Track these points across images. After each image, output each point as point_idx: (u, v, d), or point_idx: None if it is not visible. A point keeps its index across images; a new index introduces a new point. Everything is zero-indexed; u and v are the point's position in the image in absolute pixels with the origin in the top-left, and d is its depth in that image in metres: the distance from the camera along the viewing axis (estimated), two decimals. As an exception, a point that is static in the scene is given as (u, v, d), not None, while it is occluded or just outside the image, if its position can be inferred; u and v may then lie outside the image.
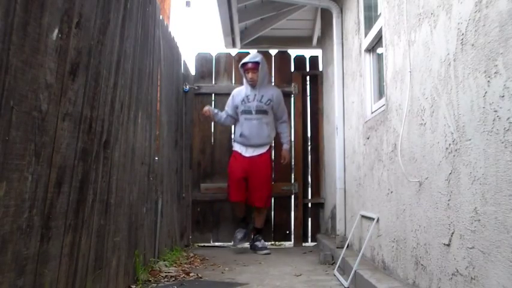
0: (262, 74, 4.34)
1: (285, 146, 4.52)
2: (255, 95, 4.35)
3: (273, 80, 5.10)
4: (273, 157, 4.63)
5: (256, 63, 4.33)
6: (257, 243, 4.34)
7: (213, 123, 4.99)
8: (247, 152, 4.36)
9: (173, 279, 2.90)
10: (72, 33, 1.67)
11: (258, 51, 5.17)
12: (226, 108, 4.53)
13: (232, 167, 4.41)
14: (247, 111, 4.36)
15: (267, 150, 4.39)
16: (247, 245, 4.49)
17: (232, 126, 4.78)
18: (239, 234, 4.33)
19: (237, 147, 4.44)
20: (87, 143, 1.86)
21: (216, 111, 4.49)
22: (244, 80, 4.44)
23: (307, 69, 5.20)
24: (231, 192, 4.37)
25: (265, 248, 4.29)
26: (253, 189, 4.32)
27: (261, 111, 4.34)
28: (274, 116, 4.44)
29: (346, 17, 3.76)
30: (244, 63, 4.35)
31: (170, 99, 3.95)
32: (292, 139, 5.01)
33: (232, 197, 4.36)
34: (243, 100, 4.38)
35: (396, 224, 2.34)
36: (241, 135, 4.39)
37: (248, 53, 5.13)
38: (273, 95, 4.39)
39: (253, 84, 4.36)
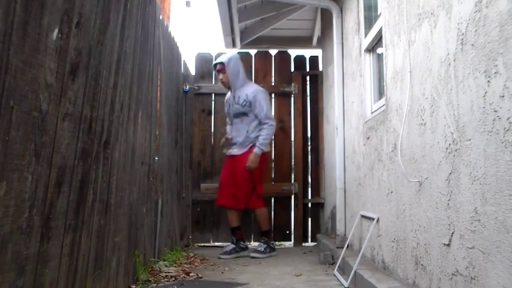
0: (232, 74, 4.22)
1: (255, 149, 4.13)
2: (234, 97, 4.27)
3: (272, 80, 5.10)
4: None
5: (221, 64, 4.23)
6: (257, 245, 4.19)
7: (213, 123, 4.99)
8: (232, 151, 4.28)
9: (173, 279, 2.90)
10: (72, 33, 1.67)
11: (257, 51, 5.20)
12: (228, 117, 4.47)
13: (222, 170, 4.42)
14: (230, 115, 4.35)
15: (249, 149, 4.18)
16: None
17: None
18: (227, 248, 4.14)
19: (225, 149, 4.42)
20: (87, 143, 1.86)
21: (229, 136, 4.34)
22: None
23: (307, 69, 5.19)
24: (217, 195, 4.35)
25: (260, 251, 4.07)
26: (237, 190, 4.21)
27: (239, 114, 4.24)
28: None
29: (346, 17, 3.76)
30: (214, 65, 4.33)
31: (170, 99, 3.95)
32: (292, 139, 5.01)
33: (216, 200, 4.33)
34: (229, 104, 4.35)
35: (396, 224, 2.34)
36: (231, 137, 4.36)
37: (248, 53, 5.15)
38: (247, 95, 4.20)
39: (225, 86, 4.31)
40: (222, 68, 4.23)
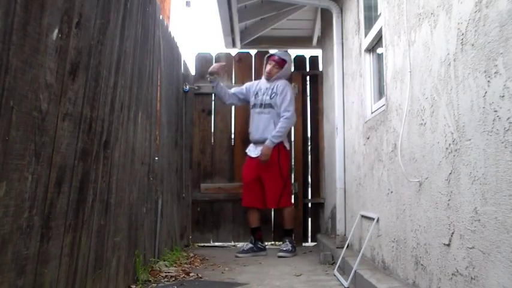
0: (281, 72, 4.33)
1: (267, 142, 4.16)
2: (267, 88, 4.32)
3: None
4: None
5: (283, 61, 4.35)
6: (282, 245, 4.22)
7: (213, 123, 4.99)
8: (255, 152, 4.27)
9: (173, 279, 2.90)
10: (72, 33, 1.67)
11: (257, 51, 5.19)
12: (235, 88, 4.50)
13: (243, 171, 4.41)
14: (256, 105, 4.34)
15: (274, 147, 4.21)
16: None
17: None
18: (245, 247, 4.18)
19: (248, 148, 4.40)
20: (87, 143, 1.86)
21: (221, 84, 4.38)
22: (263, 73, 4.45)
23: (307, 69, 5.19)
24: (243, 196, 4.35)
25: (284, 251, 4.08)
26: (266, 191, 4.24)
27: (267, 105, 4.28)
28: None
29: (346, 17, 3.76)
30: (272, 55, 4.38)
31: (170, 99, 3.95)
32: (292, 139, 5.00)
33: (242, 201, 4.35)
34: (256, 93, 4.36)
35: (396, 224, 2.34)
36: (250, 131, 4.37)
37: (248, 53, 5.16)
38: (277, 87, 4.28)
39: (267, 77, 4.35)
40: (282, 63, 4.34)
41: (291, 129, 4.58)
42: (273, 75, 4.31)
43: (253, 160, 4.27)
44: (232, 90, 4.48)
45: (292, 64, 5.14)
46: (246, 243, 4.28)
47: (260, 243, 4.24)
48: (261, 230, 4.31)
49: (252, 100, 4.38)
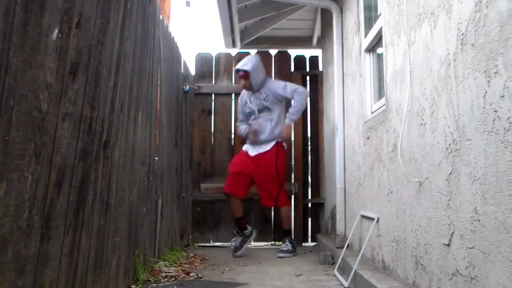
0: (255, 80, 4.26)
1: (286, 120, 4.23)
2: (255, 96, 4.32)
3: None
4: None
5: (245, 72, 4.25)
6: (282, 245, 4.22)
7: (213, 123, 4.99)
8: (253, 151, 4.26)
9: (173, 279, 2.90)
10: (72, 33, 1.67)
11: (257, 52, 5.18)
12: (239, 116, 4.50)
13: (233, 161, 4.39)
14: (251, 113, 4.35)
15: (272, 147, 4.21)
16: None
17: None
18: (234, 243, 4.14)
19: (244, 146, 4.39)
20: (87, 143, 1.86)
21: (244, 128, 4.41)
22: None
23: (307, 69, 5.19)
24: (228, 183, 4.25)
25: (284, 251, 4.09)
26: (261, 189, 4.24)
27: (262, 109, 4.28)
28: (286, 100, 4.28)
29: (346, 17, 3.76)
30: (237, 70, 4.35)
31: (170, 99, 3.95)
32: (292, 139, 5.00)
33: (225, 187, 4.25)
34: (246, 103, 4.37)
35: (396, 224, 2.34)
36: (247, 136, 4.35)
37: (248, 53, 5.14)
38: (268, 88, 4.28)
39: (246, 90, 4.35)
40: (244, 74, 4.26)
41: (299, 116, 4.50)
42: (249, 86, 4.29)
43: (250, 158, 4.25)
44: (240, 117, 4.48)
45: (292, 64, 5.16)
46: (233, 240, 4.20)
47: (245, 230, 4.19)
48: (244, 218, 4.25)
49: (246, 110, 4.40)
